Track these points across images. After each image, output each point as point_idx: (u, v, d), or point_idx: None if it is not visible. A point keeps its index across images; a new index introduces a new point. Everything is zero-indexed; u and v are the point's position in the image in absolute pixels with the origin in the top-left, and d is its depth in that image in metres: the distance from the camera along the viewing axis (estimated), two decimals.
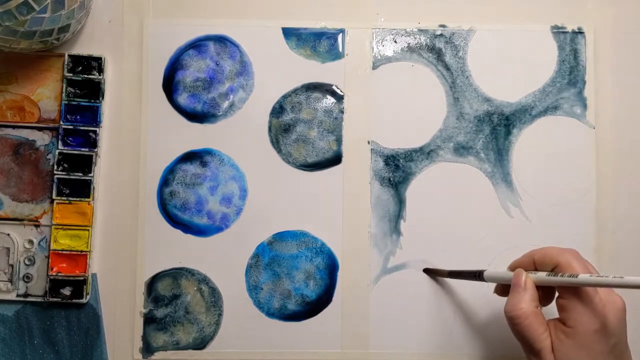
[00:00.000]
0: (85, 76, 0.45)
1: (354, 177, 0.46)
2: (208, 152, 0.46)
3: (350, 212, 0.45)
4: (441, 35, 0.47)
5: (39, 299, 0.44)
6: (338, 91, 0.46)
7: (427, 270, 0.45)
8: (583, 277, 0.32)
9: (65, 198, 0.44)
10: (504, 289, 0.39)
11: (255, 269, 0.45)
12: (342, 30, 0.47)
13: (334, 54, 0.46)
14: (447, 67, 0.46)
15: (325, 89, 0.46)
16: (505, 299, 0.36)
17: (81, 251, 0.44)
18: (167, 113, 0.46)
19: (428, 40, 0.47)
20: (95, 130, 0.45)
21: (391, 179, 0.46)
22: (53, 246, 0.44)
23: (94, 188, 0.44)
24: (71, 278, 0.44)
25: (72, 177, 0.44)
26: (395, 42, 0.47)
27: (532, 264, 0.36)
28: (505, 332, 0.45)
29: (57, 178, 0.44)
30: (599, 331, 0.32)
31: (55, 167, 0.44)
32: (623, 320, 0.33)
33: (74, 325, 0.44)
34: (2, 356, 0.44)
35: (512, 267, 0.37)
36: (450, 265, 0.44)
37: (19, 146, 0.45)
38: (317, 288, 0.45)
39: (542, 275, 0.34)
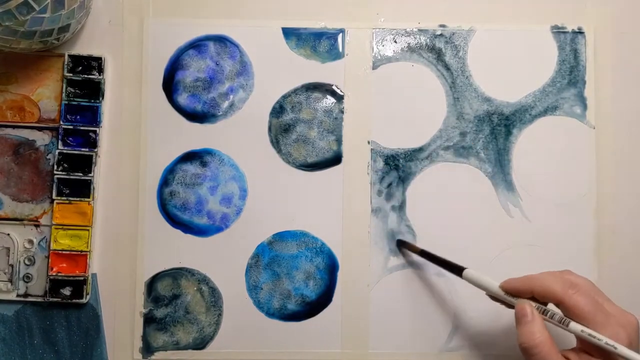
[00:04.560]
0: (85, 76, 0.45)
1: (354, 177, 0.46)
2: (208, 152, 0.46)
3: (350, 212, 0.45)
4: (441, 35, 0.47)
5: (39, 299, 0.44)
6: (338, 91, 0.46)
7: (399, 243, 0.45)
8: (574, 326, 0.32)
9: (65, 198, 0.44)
10: (495, 297, 0.38)
11: (255, 269, 0.45)
12: (342, 30, 0.47)
13: (334, 54, 0.46)
14: (447, 67, 0.46)
15: (325, 89, 0.46)
16: (494, 303, 0.36)
17: (81, 251, 0.44)
18: (167, 113, 0.46)
19: (428, 40, 0.47)
20: (95, 130, 0.45)
21: (391, 179, 0.46)
22: (53, 246, 0.44)
23: (94, 188, 0.44)
24: (71, 278, 0.44)
25: (72, 177, 0.44)
26: (395, 42, 0.47)
27: (529, 292, 0.35)
28: (505, 332, 0.45)
29: (57, 178, 0.44)
30: None
31: (55, 167, 0.44)
32: (637, 338, 0.33)
33: (74, 325, 0.44)
34: (2, 356, 0.44)
35: (508, 288, 0.36)
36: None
37: (19, 146, 0.45)
38: (317, 288, 0.45)
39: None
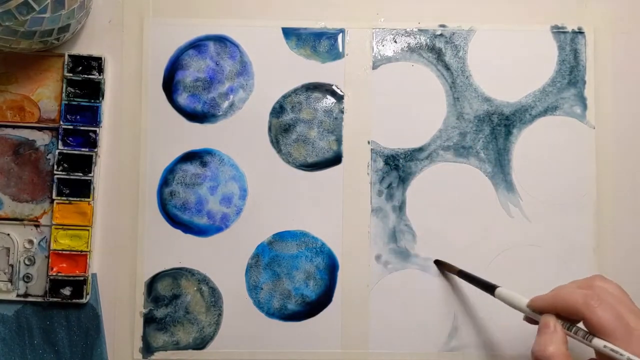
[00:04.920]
0: (85, 76, 0.45)
1: (354, 177, 0.46)
2: (208, 152, 0.46)
3: (350, 212, 0.45)
4: (441, 35, 0.47)
5: (39, 299, 0.44)
6: (338, 91, 0.46)
7: (437, 263, 0.45)
8: (597, 342, 0.32)
9: (65, 198, 0.44)
10: (532, 320, 0.38)
11: (255, 269, 0.45)
12: (342, 30, 0.47)
13: (334, 54, 0.46)
14: (447, 67, 0.46)
15: (325, 89, 0.46)
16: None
17: (81, 251, 0.44)
18: (167, 113, 0.46)
19: (428, 40, 0.47)
20: (95, 130, 0.45)
21: (391, 179, 0.46)
22: (53, 246, 0.44)
23: (94, 188, 0.44)
24: (71, 278, 0.44)
25: (72, 177, 0.44)
26: (395, 42, 0.47)
27: (554, 311, 0.34)
28: (505, 332, 0.45)
29: (57, 178, 0.44)
30: None
31: (55, 167, 0.44)
32: None
33: (74, 325, 0.44)
34: (2, 356, 0.44)
35: (535, 307, 0.36)
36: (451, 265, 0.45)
37: (19, 146, 0.45)
38: (317, 288, 0.45)
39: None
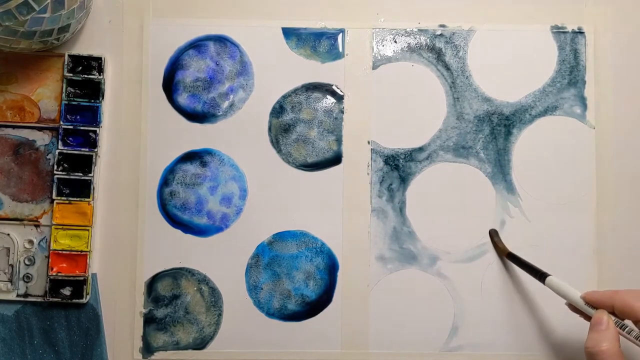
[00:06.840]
0: (85, 76, 0.45)
1: (354, 177, 0.46)
2: (208, 152, 0.46)
3: (350, 212, 0.45)
4: (441, 35, 0.47)
5: (39, 299, 0.44)
6: (338, 91, 0.46)
7: (493, 232, 0.45)
8: None
9: (65, 198, 0.44)
10: (575, 308, 0.38)
11: (255, 269, 0.45)
12: (342, 30, 0.47)
13: (334, 54, 0.46)
14: (447, 67, 0.46)
15: (325, 89, 0.46)
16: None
17: (81, 251, 0.44)
18: (167, 113, 0.46)
19: (428, 40, 0.47)
20: (95, 130, 0.45)
21: (391, 179, 0.46)
22: (53, 246, 0.44)
23: (94, 188, 0.44)
24: (71, 278, 0.44)
25: (72, 177, 0.44)
26: (395, 42, 0.47)
27: (610, 306, 0.35)
28: (505, 332, 0.45)
29: (57, 178, 0.44)
30: None
31: (55, 167, 0.44)
32: None
33: (74, 325, 0.44)
34: (2, 356, 0.44)
35: (590, 300, 0.36)
36: (451, 266, 0.45)
37: (19, 146, 0.45)
38: (317, 288, 0.45)
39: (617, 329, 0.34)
